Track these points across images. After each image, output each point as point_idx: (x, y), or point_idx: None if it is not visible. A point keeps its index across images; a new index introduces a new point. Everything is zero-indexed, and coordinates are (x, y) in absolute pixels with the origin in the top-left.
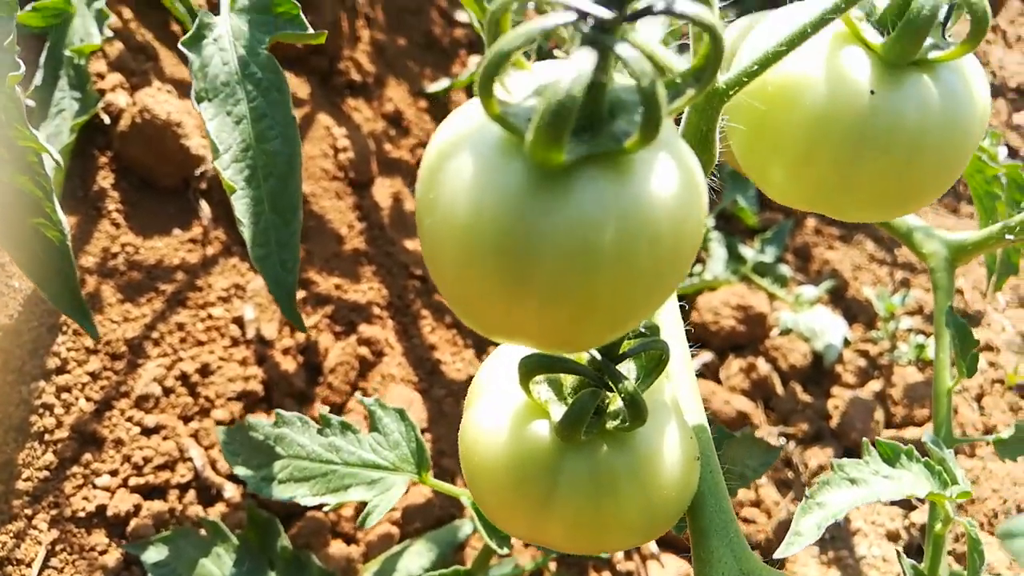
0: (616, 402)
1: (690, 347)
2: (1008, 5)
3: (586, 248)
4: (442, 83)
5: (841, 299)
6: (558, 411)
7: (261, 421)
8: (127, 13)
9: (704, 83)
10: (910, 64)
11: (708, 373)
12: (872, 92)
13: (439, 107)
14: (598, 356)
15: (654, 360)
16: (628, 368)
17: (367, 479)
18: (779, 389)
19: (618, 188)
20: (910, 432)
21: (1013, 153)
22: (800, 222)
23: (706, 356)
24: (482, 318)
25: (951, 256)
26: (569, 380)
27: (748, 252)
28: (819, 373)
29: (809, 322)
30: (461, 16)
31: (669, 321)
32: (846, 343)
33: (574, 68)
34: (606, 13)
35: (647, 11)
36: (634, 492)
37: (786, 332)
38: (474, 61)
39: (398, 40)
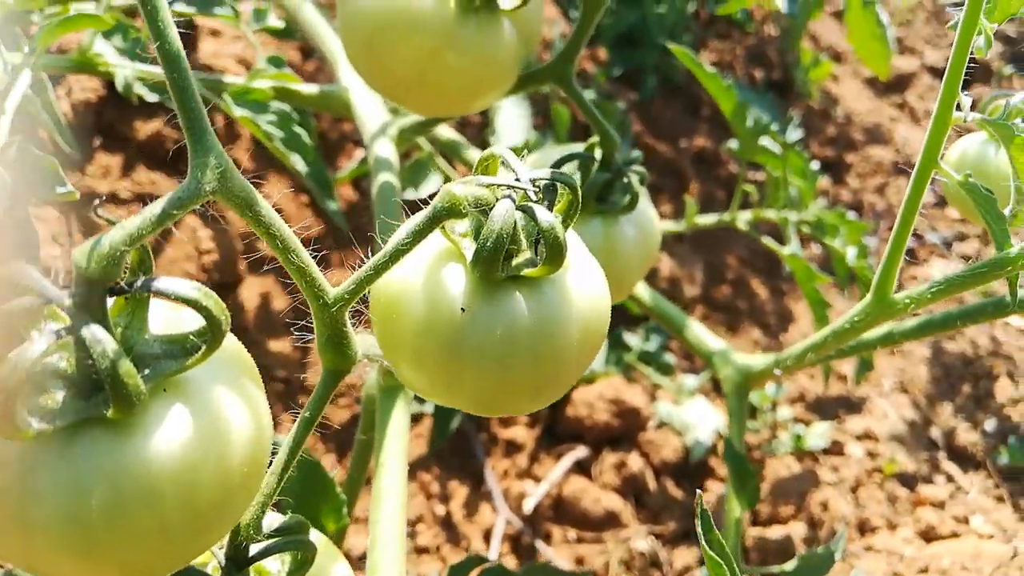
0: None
1: (565, 442)
2: (917, 81)
3: (73, 515)
4: None
5: None
6: None
7: None
8: None
9: (212, 344)
10: (509, 278)
11: (580, 470)
12: (463, 310)
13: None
14: (223, 560)
15: (301, 559)
16: (283, 561)
17: None
18: (652, 485)
19: (114, 449)
20: (774, 530)
21: (917, 237)
22: (688, 310)
23: (580, 452)
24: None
25: (742, 380)
26: None
27: (633, 340)
28: (693, 467)
29: (683, 415)
30: None
31: (391, 480)
32: (720, 436)
33: (15, 358)
34: (63, 298)
35: (121, 291)
36: None
37: (662, 426)
38: (359, 155)
39: None
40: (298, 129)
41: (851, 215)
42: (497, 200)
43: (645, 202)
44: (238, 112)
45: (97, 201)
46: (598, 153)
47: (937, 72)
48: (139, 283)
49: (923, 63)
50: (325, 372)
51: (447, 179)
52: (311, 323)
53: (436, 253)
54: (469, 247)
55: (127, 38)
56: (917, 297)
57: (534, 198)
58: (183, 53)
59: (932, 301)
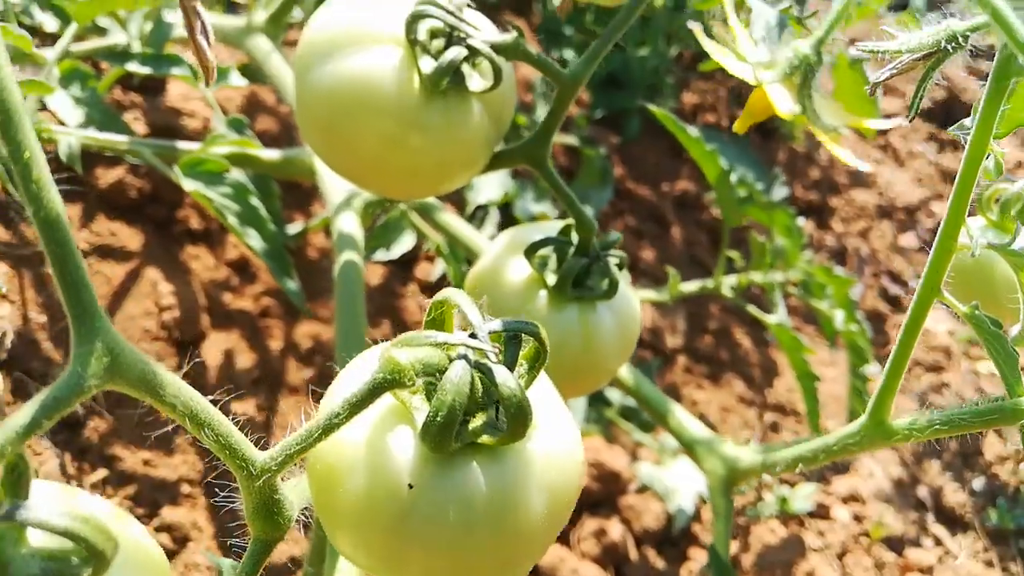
0: None
1: None
2: (901, 123)
3: None
4: (296, 226)
5: None
6: None
7: None
8: None
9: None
10: (466, 445)
11: (558, 536)
12: (410, 485)
13: (292, 251)
14: None
15: None
16: None
17: None
18: (633, 554)
19: None
20: None
21: (895, 277)
22: (670, 361)
23: None
24: None
25: (728, 476)
26: None
27: (614, 395)
28: (676, 535)
29: (665, 479)
30: None
31: None
32: (703, 500)
33: None
34: None
35: None
36: None
37: (643, 490)
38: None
39: None
40: (255, 202)
41: (838, 270)
42: (450, 361)
43: (624, 286)
44: (188, 185)
45: None
46: (574, 236)
47: (921, 113)
48: (2, 512)
49: (906, 104)
50: (254, 542)
51: (420, 235)
52: (275, 385)
53: (382, 412)
54: (420, 408)
55: (85, 87)
56: (919, 429)
57: (493, 358)
58: (63, 218)
59: (933, 436)
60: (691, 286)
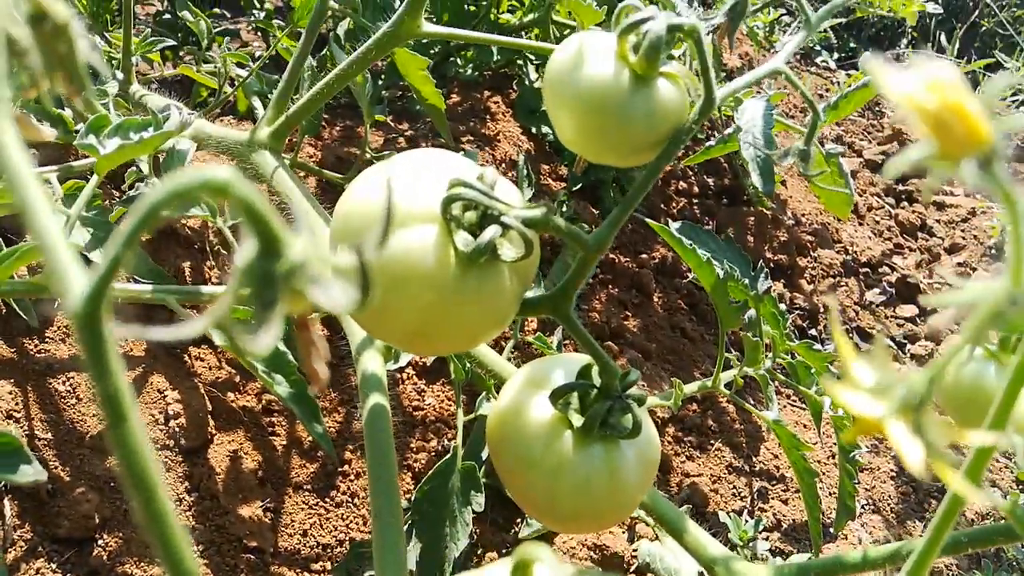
0: None
1: None
2: (859, 176)
3: None
4: None
5: (702, 517)
6: None
7: None
8: None
9: None
10: None
11: None
12: None
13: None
14: None
15: None
16: None
17: None
18: None
19: None
20: None
21: (864, 335)
22: (660, 432)
23: None
24: None
25: None
26: None
27: None
28: None
29: (666, 558)
30: None
31: None
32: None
33: None
34: None
35: None
36: None
37: (644, 569)
38: None
39: None
40: (282, 347)
41: (816, 346)
42: None
43: (645, 421)
44: (219, 340)
45: None
46: (595, 373)
47: (876, 166)
48: None
49: (863, 159)
50: None
51: None
52: (280, 483)
53: None
54: None
55: (91, 206)
56: None
57: None
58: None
59: None
60: (691, 387)
